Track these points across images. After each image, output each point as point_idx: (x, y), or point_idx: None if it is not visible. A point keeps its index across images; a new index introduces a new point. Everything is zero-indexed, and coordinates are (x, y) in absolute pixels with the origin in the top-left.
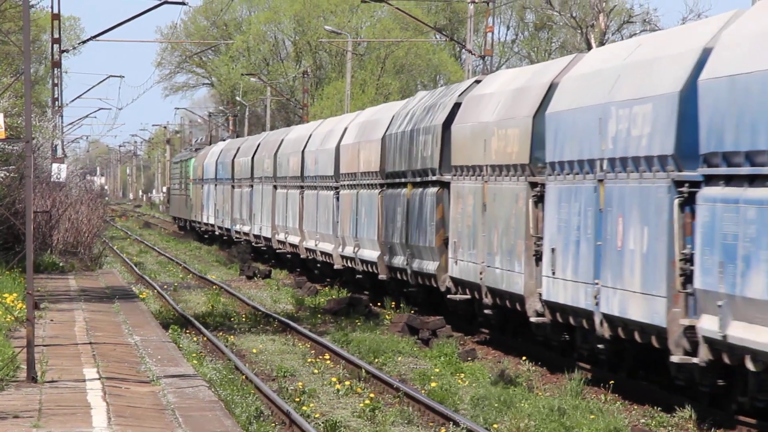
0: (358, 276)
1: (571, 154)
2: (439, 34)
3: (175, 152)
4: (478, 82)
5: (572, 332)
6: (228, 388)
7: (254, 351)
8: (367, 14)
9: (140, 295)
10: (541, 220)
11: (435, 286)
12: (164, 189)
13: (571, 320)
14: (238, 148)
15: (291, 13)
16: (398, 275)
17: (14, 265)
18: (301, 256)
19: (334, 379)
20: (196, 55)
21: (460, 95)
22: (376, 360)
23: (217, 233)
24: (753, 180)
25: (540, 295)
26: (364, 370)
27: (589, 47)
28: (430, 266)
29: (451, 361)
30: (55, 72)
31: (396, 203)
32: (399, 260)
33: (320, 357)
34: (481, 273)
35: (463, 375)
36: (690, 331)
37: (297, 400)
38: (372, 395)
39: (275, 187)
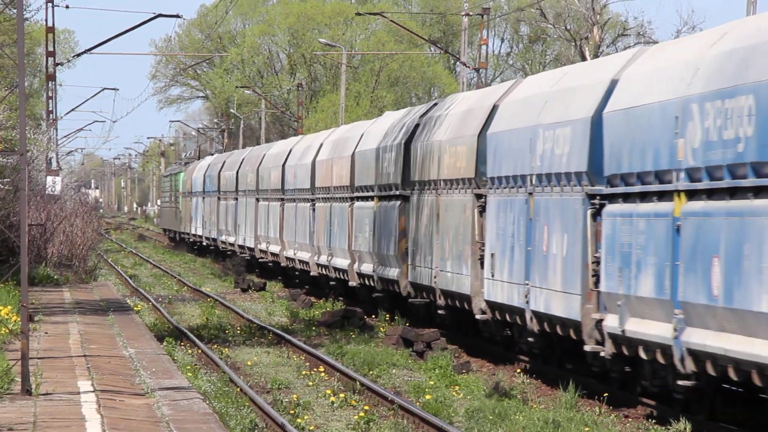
0: (331, 282)
1: (507, 169)
2: (434, 47)
3: (169, 165)
4: (436, 104)
5: (511, 328)
6: (223, 400)
7: (249, 363)
8: (362, 27)
9: (135, 308)
10: (484, 228)
11: (398, 290)
12: (158, 202)
13: (508, 317)
14: (224, 162)
15: (285, 26)
16: (366, 281)
17: (9, 277)
18: (281, 265)
19: (328, 392)
20: (191, 67)
21: (420, 117)
22: (371, 372)
23: (204, 244)
24: (643, 197)
25: (483, 295)
26: (358, 383)
27: (584, 59)
28: (393, 273)
29: (445, 373)
30: (50, 85)
31: (364, 215)
32: (367, 267)
33: (315, 369)
34: (435, 277)
35: (457, 387)
36: (600, 324)
37: (292, 412)
38: (366, 407)
39: (258, 199)
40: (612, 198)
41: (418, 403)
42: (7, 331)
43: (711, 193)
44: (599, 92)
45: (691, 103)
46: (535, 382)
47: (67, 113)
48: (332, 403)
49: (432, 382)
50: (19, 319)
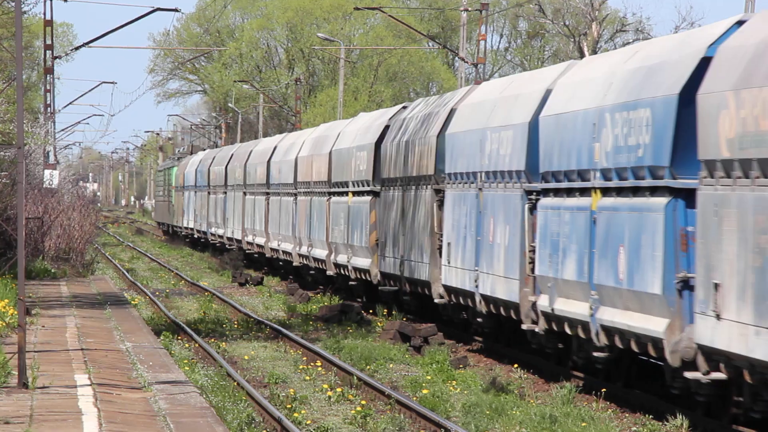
0: (310, 272)
1: (461, 167)
2: (432, 42)
3: (167, 159)
4: (404, 107)
5: (466, 310)
6: (219, 394)
7: (246, 357)
8: (360, 22)
9: (132, 302)
10: (442, 220)
11: (369, 279)
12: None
13: (462, 300)
14: (214, 158)
15: (284, 20)
16: (342, 271)
17: (6, 271)
18: (267, 255)
19: (325, 386)
20: (189, 61)
21: (390, 119)
22: (368, 367)
23: (196, 236)
24: (569, 192)
25: (441, 280)
26: (355, 377)
27: (582, 55)
28: (365, 263)
29: (442, 368)
30: (48, 78)
31: (340, 209)
32: (342, 258)
33: (312, 364)
34: (401, 266)
35: (454, 382)
36: (535, 305)
37: (288, 406)
38: (363, 402)
39: (245, 193)
40: (545, 193)
41: (415, 398)
42: (3, 324)
43: (619, 191)
44: (536, 100)
45: (605, 112)
46: (532, 377)
47: (65, 106)
48: (329, 397)
49: (429, 377)
50: (16, 312)
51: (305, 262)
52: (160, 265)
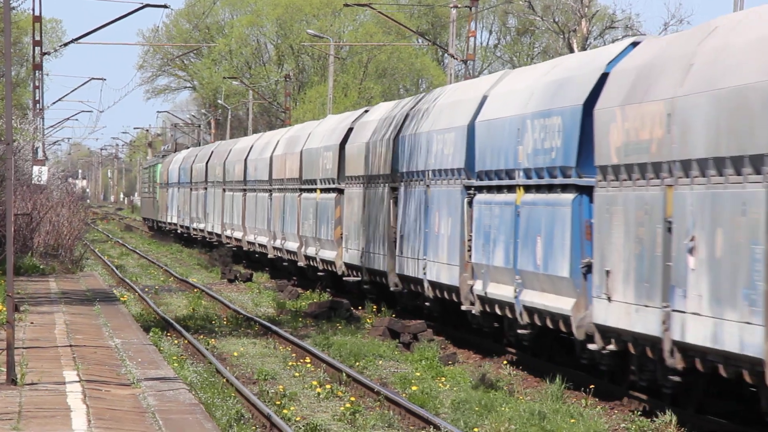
0: (284, 264)
1: (413, 166)
2: (422, 39)
3: (156, 155)
4: (366, 111)
5: (418, 297)
6: (208, 391)
7: (235, 354)
8: (350, 18)
9: (121, 298)
10: (397, 215)
11: (334, 270)
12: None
13: (413, 287)
14: (196, 156)
15: (273, 17)
16: (311, 263)
17: None
18: (244, 249)
19: (314, 383)
20: (178, 58)
21: (353, 121)
22: (357, 363)
23: (179, 231)
24: (498, 189)
25: (396, 270)
26: (344, 374)
27: (572, 52)
28: (331, 255)
29: (432, 364)
30: (37, 74)
31: (309, 205)
32: (312, 250)
33: (301, 360)
34: (362, 257)
35: (444, 379)
36: (473, 289)
37: (278, 403)
38: (353, 399)
39: (224, 190)
40: (479, 190)
41: (404, 394)
42: None
43: (538, 188)
44: (474, 106)
45: (527, 119)
46: (521, 373)
47: (54, 103)
48: (318, 394)
49: (418, 374)
50: (4, 308)
51: (279, 255)
52: (150, 261)
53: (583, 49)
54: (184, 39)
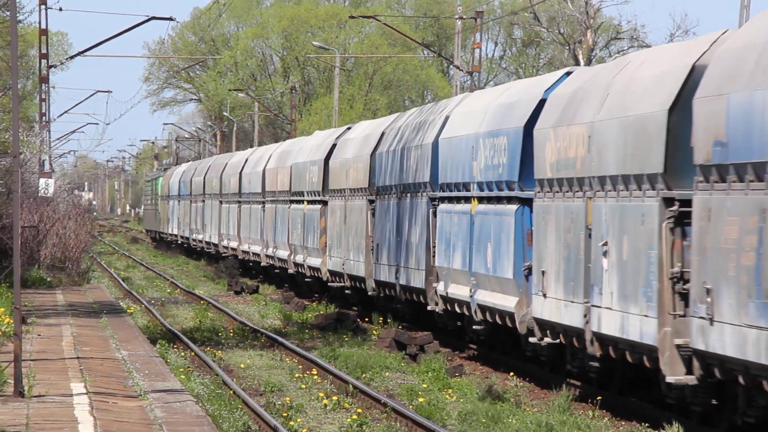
0: (275, 271)
1: (388, 180)
2: (427, 50)
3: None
4: (349, 128)
5: (392, 300)
6: (215, 403)
7: (242, 366)
8: (355, 30)
9: (128, 310)
10: (374, 225)
11: (320, 276)
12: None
13: (388, 291)
14: (196, 169)
15: (279, 29)
16: (299, 269)
17: (1, 280)
18: (239, 257)
19: (321, 394)
20: (184, 70)
21: (336, 138)
22: (364, 375)
23: (179, 242)
24: (457, 200)
25: (373, 275)
26: (351, 386)
27: (577, 63)
28: (317, 262)
29: (438, 376)
30: (43, 87)
31: (297, 216)
32: (300, 258)
33: (308, 372)
34: (343, 264)
35: (450, 390)
36: (436, 290)
37: (284, 415)
38: (359, 410)
39: (221, 201)
40: (442, 200)
41: (411, 406)
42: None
43: (489, 199)
44: (438, 125)
45: (480, 138)
46: (528, 385)
47: (60, 115)
48: (325, 405)
49: (425, 385)
50: (11, 321)
51: (271, 262)
52: (156, 273)
53: (589, 60)
54: (189, 51)
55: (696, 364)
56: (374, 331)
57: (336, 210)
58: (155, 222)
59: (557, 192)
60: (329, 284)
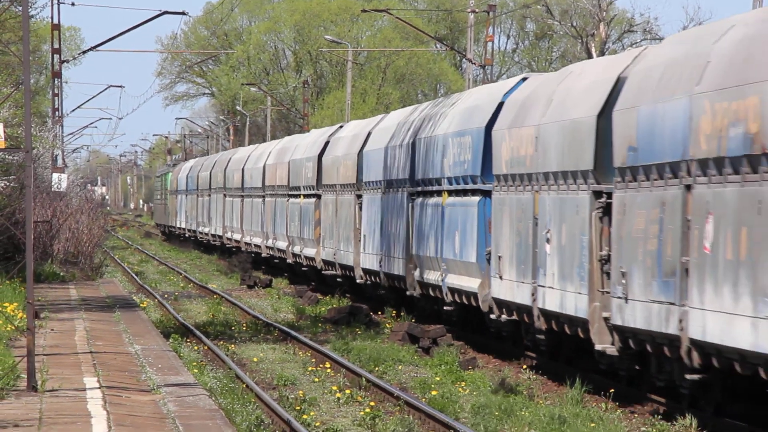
0: (275, 261)
1: (373, 176)
2: (440, 44)
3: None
4: (341, 126)
5: (377, 287)
6: (228, 396)
7: (255, 360)
8: (368, 24)
9: (141, 305)
10: (362, 218)
11: (315, 265)
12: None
13: (374, 278)
14: (202, 165)
15: (291, 23)
16: (296, 260)
17: (15, 274)
18: (242, 249)
19: (334, 388)
20: (197, 64)
21: (329, 136)
22: (377, 368)
23: (187, 235)
24: (431, 193)
25: (360, 264)
26: (364, 379)
27: (590, 56)
28: (312, 252)
29: (451, 369)
30: (56, 82)
31: (295, 209)
32: (297, 249)
33: (321, 366)
34: (335, 254)
35: (463, 383)
36: (414, 276)
37: (297, 408)
38: (372, 403)
39: (225, 195)
40: (419, 194)
41: (424, 399)
42: (13, 327)
43: (457, 192)
44: (415, 126)
45: (449, 137)
46: (541, 378)
47: (73, 110)
48: (338, 399)
49: (438, 378)
50: (25, 315)
51: (271, 253)
52: (169, 268)
53: (602, 53)
54: (202, 46)
55: (616, 337)
56: (387, 325)
57: (328, 204)
58: (165, 216)
59: (511, 186)
60: (323, 272)
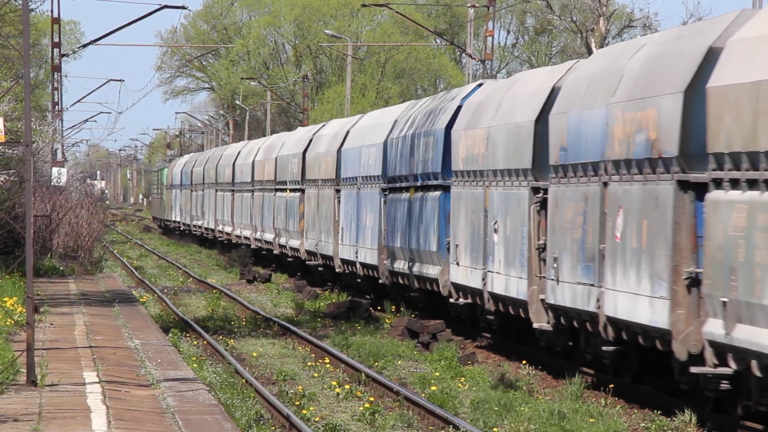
0: (263, 252)
1: (350, 173)
2: (440, 39)
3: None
4: (324, 125)
5: (354, 276)
6: (228, 391)
7: (254, 355)
8: (368, 18)
9: (140, 299)
10: (340, 211)
11: (299, 256)
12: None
13: (351, 268)
14: (196, 160)
15: (291, 17)
16: (282, 250)
17: (14, 269)
18: (233, 241)
19: (334, 383)
20: (196, 59)
21: (314, 134)
22: (376, 364)
23: (181, 228)
24: (400, 189)
25: (339, 255)
26: (363, 374)
27: (590, 51)
28: (296, 243)
29: (451, 364)
30: (55, 76)
31: (281, 202)
32: (283, 240)
33: (320, 361)
34: (317, 245)
35: (463, 379)
36: (383, 266)
37: (297, 403)
38: (372, 399)
39: (217, 190)
40: (391, 190)
41: (423, 395)
42: (12, 322)
43: (422, 188)
44: (388, 126)
45: (416, 137)
46: (540, 373)
47: (73, 104)
48: (338, 394)
49: (437, 374)
50: (24, 310)
51: (259, 245)
52: (168, 262)
53: (602, 48)
54: (202, 40)
55: (550, 315)
56: (387, 320)
57: (311, 198)
58: (161, 210)
59: (466, 182)
60: (306, 263)
